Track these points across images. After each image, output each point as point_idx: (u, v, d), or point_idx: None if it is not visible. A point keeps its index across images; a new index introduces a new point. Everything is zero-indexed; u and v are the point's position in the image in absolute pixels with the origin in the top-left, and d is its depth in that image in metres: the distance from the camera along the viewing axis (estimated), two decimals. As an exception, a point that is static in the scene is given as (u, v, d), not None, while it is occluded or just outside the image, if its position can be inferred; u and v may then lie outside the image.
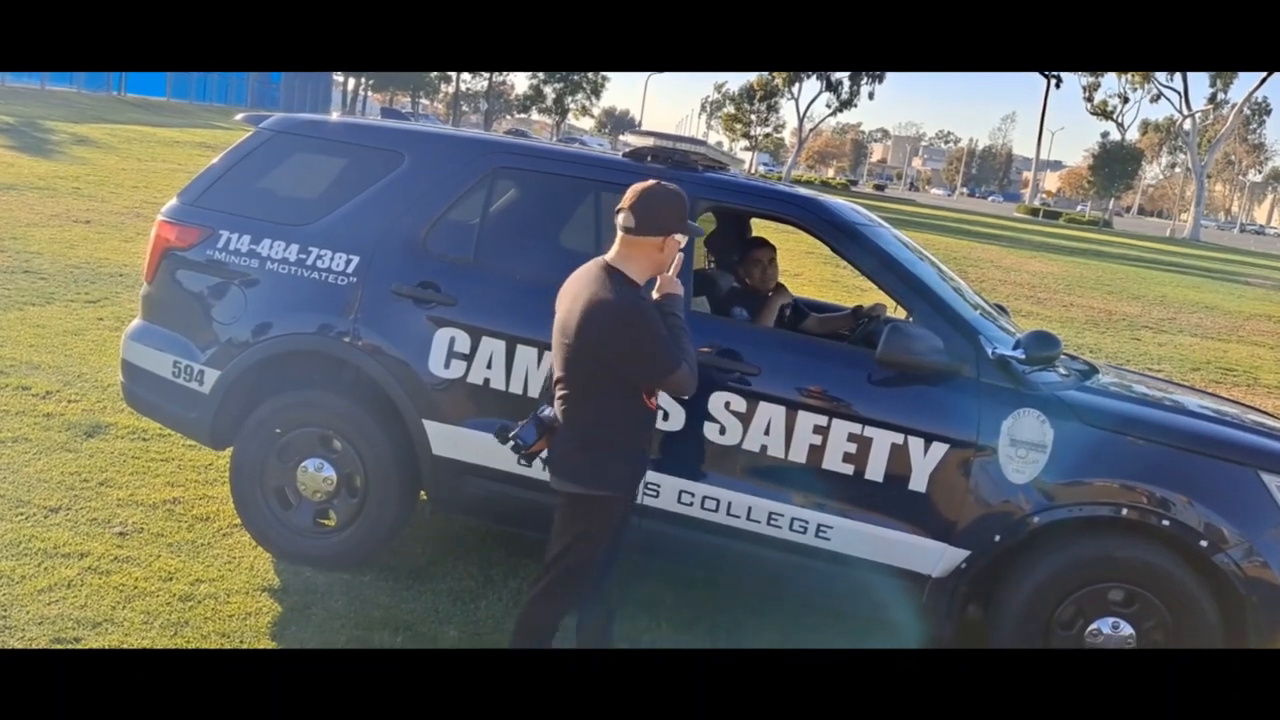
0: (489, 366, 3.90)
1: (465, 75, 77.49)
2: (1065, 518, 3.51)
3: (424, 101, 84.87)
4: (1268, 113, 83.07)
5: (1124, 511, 3.47)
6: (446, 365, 3.93)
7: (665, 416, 3.70)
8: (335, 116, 4.61)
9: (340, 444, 4.08)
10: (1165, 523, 3.44)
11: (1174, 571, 3.45)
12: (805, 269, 15.59)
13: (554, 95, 75.48)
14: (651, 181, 2.99)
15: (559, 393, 3.00)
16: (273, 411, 4.12)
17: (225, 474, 4.71)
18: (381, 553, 4.23)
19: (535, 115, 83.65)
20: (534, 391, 3.87)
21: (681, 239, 2.99)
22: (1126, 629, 3.50)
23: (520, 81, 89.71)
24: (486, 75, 77.06)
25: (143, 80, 37.04)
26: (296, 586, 4.00)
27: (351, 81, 73.68)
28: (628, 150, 4.22)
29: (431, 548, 4.51)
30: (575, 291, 2.93)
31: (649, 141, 4.16)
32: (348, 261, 4.04)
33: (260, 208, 4.23)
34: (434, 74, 77.33)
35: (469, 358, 3.91)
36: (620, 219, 2.93)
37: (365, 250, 4.05)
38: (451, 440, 3.96)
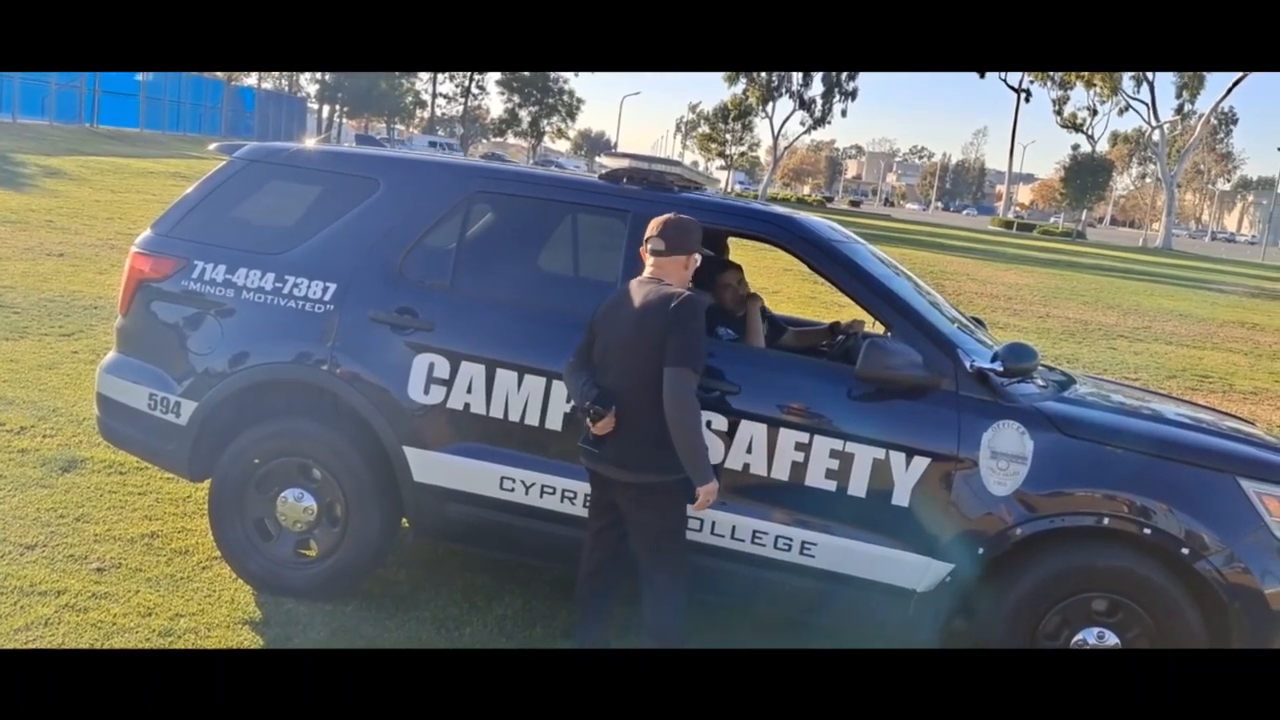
0: (469, 391, 3.89)
1: (440, 100, 77.65)
2: (1047, 529, 3.52)
3: (399, 127, 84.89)
4: (1234, 122, 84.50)
5: (1105, 521, 3.49)
6: (426, 391, 3.91)
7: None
8: (310, 143, 4.59)
9: (320, 473, 4.04)
10: (1146, 531, 3.46)
11: (1156, 579, 3.47)
12: (784, 286, 15.65)
13: (529, 118, 75.73)
14: (671, 214, 3.51)
15: (629, 398, 3.36)
16: (251, 442, 4.08)
17: (204, 506, 4.66)
18: (364, 582, 4.19)
19: (511, 139, 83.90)
20: (514, 415, 3.86)
21: (699, 256, 3.53)
22: (1111, 638, 3.51)
23: (495, 105, 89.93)
24: (462, 100, 77.23)
25: (115, 111, 36.82)
26: (278, 618, 3.96)
27: (326, 108, 73.68)
28: (604, 172, 4.23)
29: (414, 575, 4.48)
30: (640, 298, 3.39)
31: (624, 163, 4.18)
32: (324, 289, 4.02)
33: (235, 237, 4.21)
34: (409, 99, 77.45)
35: (449, 383, 3.90)
36: (651, 245, 3.47)
37: (342, 277, 4.03)
38: (433, 466, 3.93)
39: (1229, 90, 60.06)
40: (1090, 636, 3.52)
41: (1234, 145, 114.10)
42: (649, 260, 3.48)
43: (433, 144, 57.10)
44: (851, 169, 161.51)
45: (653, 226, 3.47)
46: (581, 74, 73.03)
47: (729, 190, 60.49)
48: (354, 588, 4.15)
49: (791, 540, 3.69)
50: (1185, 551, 3.43)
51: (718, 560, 3.75)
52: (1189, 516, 3.47)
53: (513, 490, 3.88)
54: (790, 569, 3.70)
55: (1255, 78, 60.31)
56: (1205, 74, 60.10)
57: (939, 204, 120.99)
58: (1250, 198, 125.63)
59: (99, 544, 4.40)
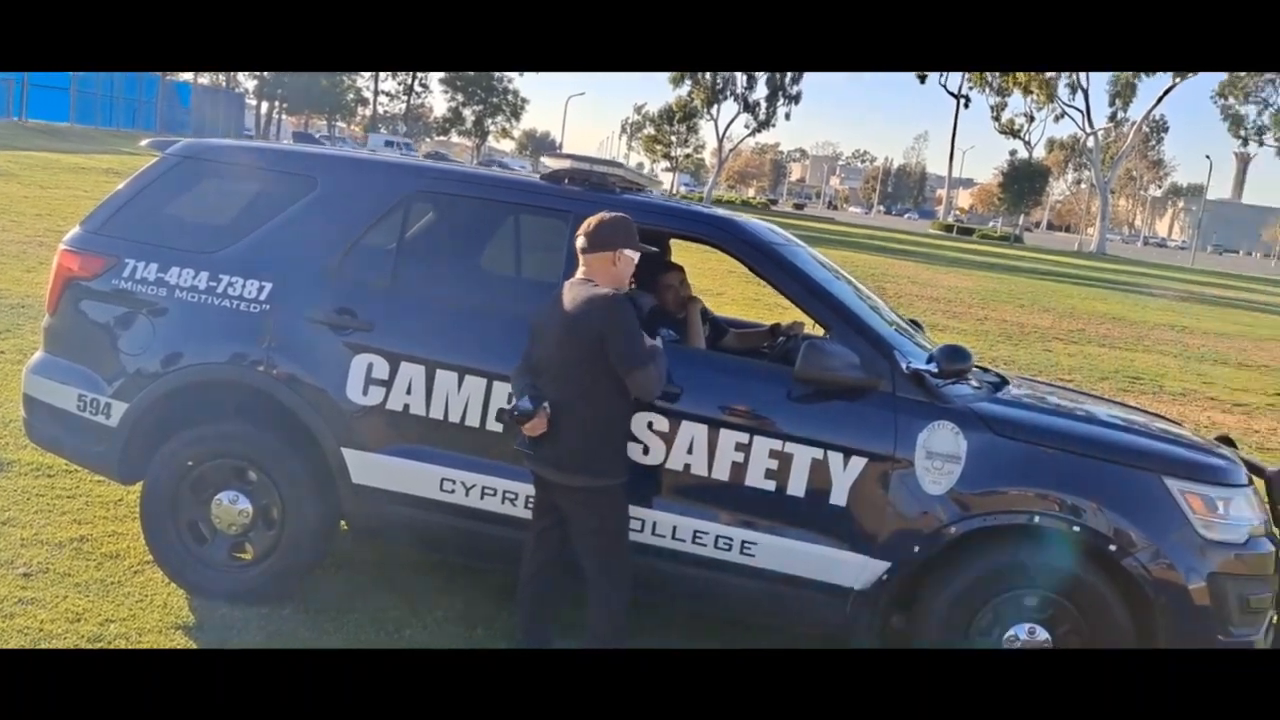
0: (409, 392, 3.86)
1: (382, 98, 76.83)
2: (980, 527, 3.59)
3: (340, 124, 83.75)
4: (1165, 130, 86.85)
5: (1037, 519, 3.56)
6: (365, 392, 3.87)
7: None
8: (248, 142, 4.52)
9: (256, 475, 3.98)
10: (1076, 529, 3.54)
11: (1085, 577, 3.55)
12: (728, 288, 15.72)
13: (473, 117, 75.24)
14: (599, 213, 3.52)
15: (564, 401, 3.38)
16: (184, 444, 4.01)
17: (135, 509, 4.55)
18: (301, 585, 4.13)
19: (455, 138, 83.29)
20: (455, 416, 3.83)
21: (632, 254, 3.50)
22: (1042, 634, 3.58)
23: (439, 103, 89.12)
24: (404, 98, 76.48)
25: (45, 105, 35.73)
26: (212, 623, 3.88)
27: (265, 104, 72.48)
28: (545, 173, 4.23)
29: (353, 578, 4.42)
30: (568, 301, 3.42)
31: (566, 164, 4.18)
32: (260, 288, 3.96)
33: (168, 235, 4.13)
34: (350, 96, 76.52)
35: (388, 384, 3.86)
36: (577, 243, 3.51)
37: (278, 276, 3.97)
38: (372, 468, 3.89)
39: (1160, 99, 61.77)
40: (1022, 632, 3.59)
41: (1165, 152, 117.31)
42: (579, 259, 3.52)
43: (389, 143, 56.82)
44: (796, 172, 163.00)
45: (581, 226, 3.53)
46: (526, 73, 72.64)
47: (674, 192, 60.69)
48: (291, 591, 4.09)
49: (732, 540, 3.71)
50: (1113, 548, 3.51)
51: (659, 560, 3.76)
52: (1117, 514, 3.55)
53: (453, 492, 3.85)
54: (730, 568, 3.73)
55: (1185, 86, 62.14)
56: (1136, 83, 61.70)
57: (881, 207, 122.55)
58: (1180, 204, 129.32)
59: (26, 548, 4.28)
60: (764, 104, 66.79)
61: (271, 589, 4.02)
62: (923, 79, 70.40)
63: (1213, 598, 3.50)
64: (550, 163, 4.28)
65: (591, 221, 3.50)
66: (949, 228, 69.65)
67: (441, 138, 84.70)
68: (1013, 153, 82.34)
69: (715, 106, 69.13)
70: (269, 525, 4.02)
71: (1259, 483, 3.99)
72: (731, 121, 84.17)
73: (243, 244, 4.05)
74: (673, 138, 74.54)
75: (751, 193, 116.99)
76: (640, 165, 74.75)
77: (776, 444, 3.68)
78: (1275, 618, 3.77)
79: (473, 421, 3.83)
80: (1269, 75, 61.17)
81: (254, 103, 71.75)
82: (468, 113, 75.53)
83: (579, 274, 3.51)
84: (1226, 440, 4.35)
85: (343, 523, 4.13)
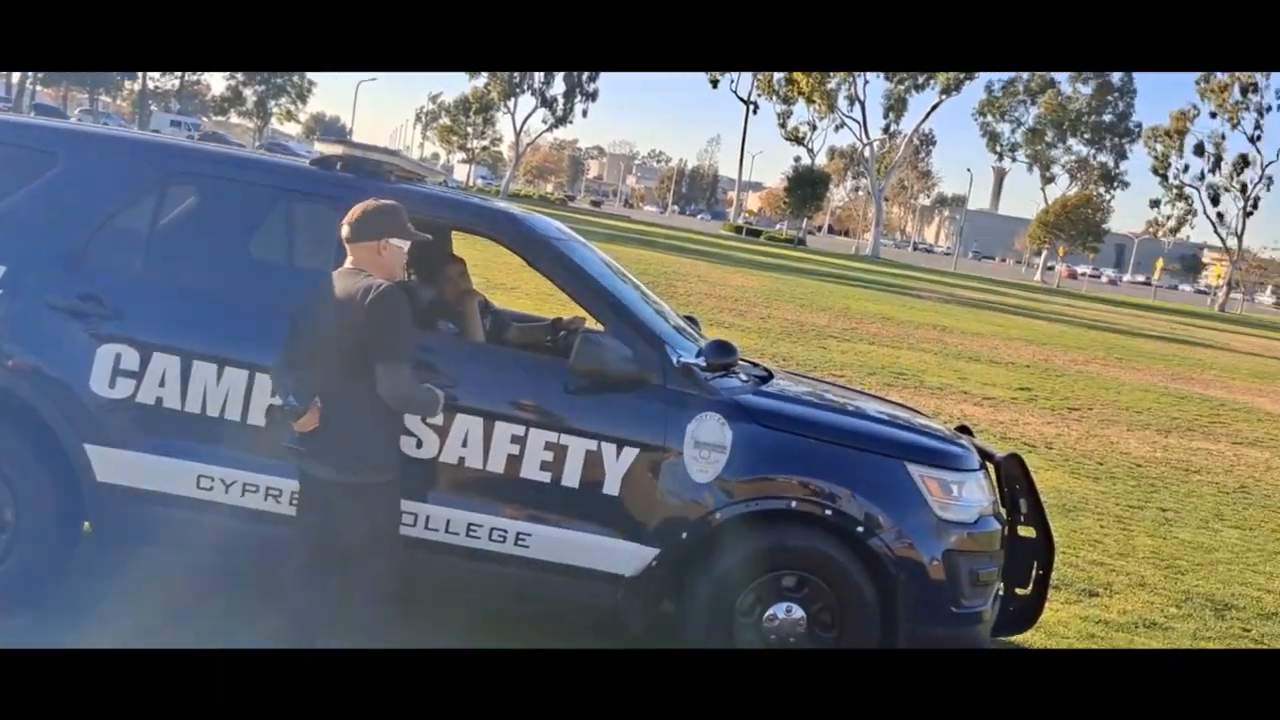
0: (162, 384, 3.65)
1: (154, 72, 71.78)
2: (743, 512, 3.76)
3: (105, 99, 77.59)
4: (933, 144, 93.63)
5: (794, 504, 3.76)
6: (111, 384, 3.64)
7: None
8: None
9: (-16, 475, 3.66)
10: (829, 513, 3.76)
11: (837, 556, 3.78)
12: (523, 282, 15.69)
13: (255, 97, 71.57)
14: (366, 201, 3.42)
15: (335, 396, 3.28)
16: (-102, 442, 3.63)
17: None
18: (40, 592, 3.82)
19: (235, 118, 79.00)
20: (213, 409, 3.66)
21: (400, 243, 3.40)
22: (798, 612, 3.79)
23: (217, 81, 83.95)
24: (177, 73, 71.75)
25: None
26: (-69, 638, 3.53)
27: (15, 74, 66.17)
28: (316, 158, 4.09)
29: (103, 583, 4.12)
30: (340, 291, 3.31)
31: (339, 150, 4.06)
32: (-10, 271, 3.64)
33: (-120, 210, 3.72)
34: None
35: (138, 375, 3.64)
36: (341, 232, 3.39)
37: (13, 259, 3.67)
38: (119, 465, 3.67)
39: (927, 114, 66.45)
40: (780, 611, 3.78)
41: (933, 165, 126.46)
42: (347, 248, 3.43)
43: (175, 124, 53.54)
44: (593, 169, 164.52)
45: (346, 214, 3.43)
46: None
47: (469, 185, 59.97)
48: (28, 598, 3.77)
49: (506, 532, 3.73)
50: (861, 530, 3.76)
51: (432, 554, 3.73)
52: (866, 499, 3.80)
53: (211, 489, 3.68)
54: (505, 560, 3.75)
55: (949, 104, 67.37)
56: (907, 98, 66.14)
57: (675, 207, 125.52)
58: (946, 213, 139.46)
59: None
60: (561, 100, 67.07)
61: (4, 596, 3.71)
62: (715, 83, 72.76)
63: (947, 573, 3.81)
64: (323, 148, 4.15)
65: (356, 210, 3.40)
66: (739, 229, 72.21)
67: (220, 118, 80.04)
68: (797, 159, 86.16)
69: (512, 100, 68.80)
70: (0, 528, 3.70)
71: (991, 467, 4.37)
72: (529, 116, 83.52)
73: (-30, 223, 3.71)
74: (469, 129, 73.63)
75: (550, 188, 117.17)
76: (435, 156, 73.52)
77: (552, 436, 3.72)
78: (1001, 589, 4.15)
79: (233, 415, 3.66)
80: (1021, 96, 67.03)
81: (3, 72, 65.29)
82: (249, 93, 71.76)
83: (348, 263, 3.42)
84: (965, 430, 4.74)
85: (87, 524, 3.85)
